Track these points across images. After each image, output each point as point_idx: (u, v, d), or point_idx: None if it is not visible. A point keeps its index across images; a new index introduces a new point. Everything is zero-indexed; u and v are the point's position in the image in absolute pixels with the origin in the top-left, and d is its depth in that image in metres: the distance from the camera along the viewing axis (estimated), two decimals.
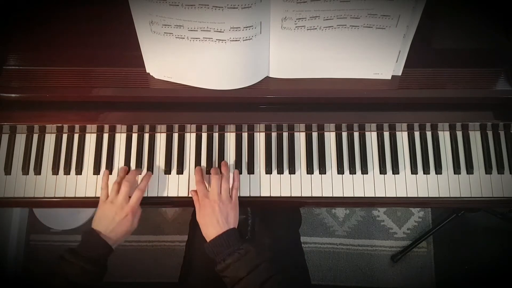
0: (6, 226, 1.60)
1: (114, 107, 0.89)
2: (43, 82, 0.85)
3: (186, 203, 0.94)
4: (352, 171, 0.92)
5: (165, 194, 0.92)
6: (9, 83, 0.85)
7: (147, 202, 0.92)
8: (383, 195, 0.91)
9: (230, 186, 0.87)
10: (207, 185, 0.88)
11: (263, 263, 0.76)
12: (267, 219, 1.03)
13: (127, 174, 0.89)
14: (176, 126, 0.93)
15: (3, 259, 1.57)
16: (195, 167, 0.92)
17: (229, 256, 0.76)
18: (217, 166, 0.93)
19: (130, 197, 0.84)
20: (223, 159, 0.93)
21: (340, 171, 0.93)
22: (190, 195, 0.90)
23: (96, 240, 0.80)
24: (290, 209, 1.11)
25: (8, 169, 0.93)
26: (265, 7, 0.70)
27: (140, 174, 0.92)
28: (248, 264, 0.75)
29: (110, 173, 0.92)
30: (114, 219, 0.82)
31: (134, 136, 0.95)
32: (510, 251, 1.61)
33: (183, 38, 0.73)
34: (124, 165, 0.93)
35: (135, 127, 0.93)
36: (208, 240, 0.81)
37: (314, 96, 0.86)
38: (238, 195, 0.88)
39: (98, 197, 0.91)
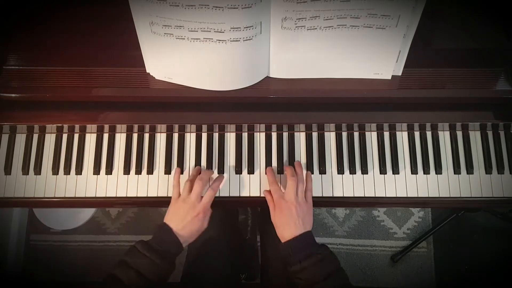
0: (6, 226, 1.60)
1: (114, 107, 0.89)
2: (43, 82, 0.85)
3: None
4: (352, 171, 0.92)
5: (164, 194, 0.92)
6: (9, 83, 0.85)
7: (146, 202, 0.92)
8: (383, 195, 0.91)
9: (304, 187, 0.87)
10: (280, 186, 0.88)
11: (339, 271, 0.76)
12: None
13: (199, 174, 0.89)
14: (176, 126, 0.93)
15: (3, 259, 1.57)
16: (194, 167, 0.93)
17: (306, 260, 0.76)
18: (217, 166, 0.93)
19: (202, 196, 0.85)
20: (223, 159, 0.93)
21: (340, 171, 0.93)
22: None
23: (168, 236, 0.80)
24: None
25: (8, 169, 0.93)
26: (265, 7, 0.70)
27: (213, 174, 0.92)
28: (324, 269, 0.75)
29: (110, 173, 0.92)
30: (185, 218, 0.81)
31: (134, 136, 0.95)
32: (510, 251, 1.61)
33: (183, 38, 0.73)
34: (124, 165, 0.93)
35: (135, 127, 0.93)
36: (283, 240, 0.81)
37: (314, 96, 0.86)
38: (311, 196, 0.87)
39: (98, 197, 0.92)
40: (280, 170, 0.93)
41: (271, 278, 0.98)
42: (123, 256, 0.76)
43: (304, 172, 0.91)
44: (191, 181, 0.86)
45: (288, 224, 0.81)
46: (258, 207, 1.35)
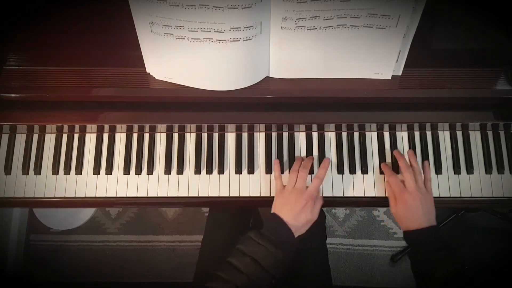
0: (6, 226, 1.60)
1: (114, 107, 0.89)
2: (43, 82, 0.85)
3: (186, 203, 0.95)
4: (352, 171, 0.92)
5: (164, 194, 0.92)
6: (9, 83, 0.85)
7: (146, 202, 0.92)
8: (383, 195, 0.91)
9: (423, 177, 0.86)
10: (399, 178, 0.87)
11: (462, 269, 0.76)
12: None
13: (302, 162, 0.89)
14: (176, 126, 0.93)
15: (3, 259, 1.57)
16: (195, 167, 0.92)
17: (430, 253, 0.76)
18: (217, 166, 0.93)
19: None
20: (223, 159, 0.93)
21: (340, 171, 0.93)
22: (190, 195, 0.90)
23: (280, 226, 0.78)
24: None
25: (8, 169, 0.93)
26: (265, 7, 0.70)
27: (313, 160, 0.92)
28: (446, 267, 0.75)
29: (110, 173, 0.92)
30: (295, 207, 0.80)
31: (134, 136, 0.95)
32: (510, 251, 1.61)
33: (184, 38, 0.73)
34: (124, 165, 0.93)
35: (135, 127, 0.93)
36: (406, 230, 0.81)
37: (314, 96, 0.86)
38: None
39: (98, 197, 0.92)
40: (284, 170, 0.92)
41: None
42: (238, 245, 0.76)
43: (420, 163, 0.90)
44: (296, 171, 0.86)
45: (414, 216, 0.80)
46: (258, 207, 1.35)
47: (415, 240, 0.79)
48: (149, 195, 0.92)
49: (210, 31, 0.71)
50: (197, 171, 0.93)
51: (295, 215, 0.80)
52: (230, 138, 0.95)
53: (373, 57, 0.80)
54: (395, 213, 0.84)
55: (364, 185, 0.92)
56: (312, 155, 0.93)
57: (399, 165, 0.88)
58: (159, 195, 0.92)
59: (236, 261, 0.73)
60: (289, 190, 0.83)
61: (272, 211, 0.82)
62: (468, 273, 0.76)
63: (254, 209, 1.12)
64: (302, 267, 0.99)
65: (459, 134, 0.94)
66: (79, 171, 0.93)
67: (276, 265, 0.74)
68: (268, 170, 0.93)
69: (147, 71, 0.85)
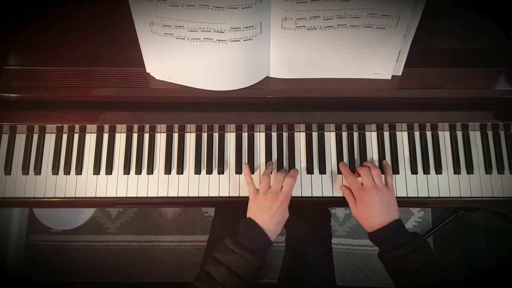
0: (6, 226, 1.60)
1: (114, 107, 0.89)
2: (43, 82, 0.85)
3: (186, 203, 0.95)
4: (352, 171, 0.92)
5: (164, 194, 0.92)
6: (9, 83, 0.85)
7: (146, 203, 0.92)
8: None
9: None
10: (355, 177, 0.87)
11: (432, 262, 0.74)
12: (298, 217, 1.03)
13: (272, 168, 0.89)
14: (176, 126, 0.93)
15: (3, 259, 1.57)
16: (195, 167, 0.93)
17: (398, 249, 0.74)
18: (217, 166, 0.93)
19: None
20: (223, 159, 0.93)
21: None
22: (190, 195, 0.90)
23: (256, 231, 0.78)
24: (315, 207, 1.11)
25: (8, 169, 0.93)
26: (265, 7, 0.70)
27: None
28: (418, 259, 0.74)
29: (110, 173, 0.92)
30: (271, 209, 0.80)
31: (134, 136, 0.95)
32: (510, 251, 1.61)
33: (183, 38, 0.73)
34: (124, 165, 0.93)
35: (135, 127, 0.93)
36: (371, 231, 0.79)
37: (314, 96, 0.86)
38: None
39: (98, 197, 0.91)
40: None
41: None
42: (214, 253, 0.76)
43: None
44: (268, 175, 0.86)
45: (373, 213, 0.79)
46: None
47: (380, 238, 0.78)
48: (149, 195, 0.92)
49: (210, 31, 0.71)
50: (197, 171, 0.93)
51: (271, 217, 0.79)
52: (230, 138, 0.95)
53: (373, 57, 0.80)
54: (356, 214, 0.83)
55: None
56: (312, 155, 0.93)
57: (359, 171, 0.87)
58: (159, 195, 0.92)
59: (212, 270, 0.74)
60: (263, 193, 0.83)
61: (248, 215, 0.82)
62: (439, 262, 0.75)
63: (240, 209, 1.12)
64: (307, 267, 0.99)
65: (459, 134, 0.94)
66: (79, 171, 0.93)
67: (252, 271, 0.75)
68: None
69: (147, 71, 0.85)
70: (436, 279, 0.72)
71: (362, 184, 0.84)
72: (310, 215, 1.06)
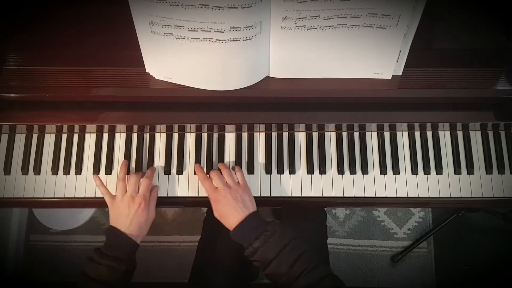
0: (6, 226, 1.59)
1: (114, 107, 0.89)
2: (43, 82, 0.85)
3: (186, 203, 0.94)
4: (353, 171, 0.92)
5: (164, 194, 0.92)
6: (9, 83, 0.85)
7: None
8: (384, 195, 0.91)
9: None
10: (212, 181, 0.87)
11: (291, 241, 0.75)
12: (294, 217, 1.04)
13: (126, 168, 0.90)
14: (176, 126, 0.93)
15: (3, 259, 1.57)
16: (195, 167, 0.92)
17: (256, 240, 0.75)
18: (217, 166, 0.93)
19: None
20: (223, 159, 0.93)
21: (341, 171, 0.92)
22: (190, 195, 0.90)
23: (119, 238, 0.80)
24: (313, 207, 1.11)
25: (7, 169, 0.93)
26: (265, 6, 0.70)
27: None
28: (277, 244, 0.75)
29: (110, 173, 0.92)
30: (129, 213, 0.82)
31: (134, 136, 0.94)
32: (510, 251, 1.61)
33: (183, 38, 0.73)
34: None
35: (135, 127, 0.93)
36: (231, 229, 0.80)
37: (314, 96, 0.86)
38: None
39: (98, 197, 0.91)
40: (280, 171, 0.92)
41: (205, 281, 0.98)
42: (83, 269, 0.78)
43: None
44: (123, 179, 0.86)
45: (229, 211, 0.80)
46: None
47: (240, 234, 0.78)
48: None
49: (210, 31, 0.71)
50: None
51: (131, 221, 0.81)
52: (230, 138, 0.95)
53: (373, 57, 0.80)
54: (216, 215, 0.84)
55: (364, 185, 0.92)
56: (312, 155, 0.93)
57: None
58: (159, 195, 0.91)
59: (86, 287, 0.75)
60: (119, 199, 0.84)
61: (110, 223, 0.83)
62: (302, 241, 0.77)
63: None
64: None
65: (459, 134, 0.94)
66: (78, 171, 0.93)
67: (125, 275, 0.79)
68: (268, 170, 0.92)
69: (147, 71, 0.85)
70: (299, 256, 0.73)
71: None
72: (306, 215, 1.06)
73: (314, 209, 1.09)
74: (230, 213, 0.80)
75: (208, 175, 0.88)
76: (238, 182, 0.86)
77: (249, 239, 0.76)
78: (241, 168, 0.91)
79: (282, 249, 0.74)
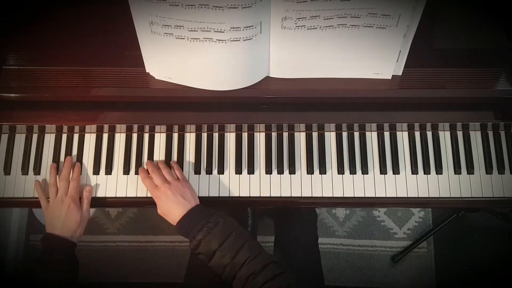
0: (6, 226, 1.59)
1: (114, 107, 0.89)
2: (43, 82, 0.85)
3: None
4: (353, 171, 0.92)
5: None
6: (9, 83, 0.85)
7: (146, 202, 0.92)
8: (384, 195, 0.91)
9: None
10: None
11: (234, 231, 0.75)
12: (286, 218, 1.03)
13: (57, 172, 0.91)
14: (176, 126, 0.93)
15: (3, 259, 1.57)
16: (194, 167, 0.92)
17: (199, 232, 0.75)
18: (217, 166, 0.93)
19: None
20: (223, 159, 0.93)
21: (341, 171, 0.92)
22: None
23: (55, 242, 0.83)
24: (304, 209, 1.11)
25: (7, 169, 0.93)
26: (265, 6, 0.70)
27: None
28: (219, 235, 0.75)
29: (110, 173, 0.92)
30: (60, 215, 0.84)
31: (134, 136, 0.94)
32: (510, 251, 1.61)
33: (183, 38, 0.73)
34: (124, 165, 0.93)
35: (134, 127, 0.93)
36: (175, 224, 0.80)
37: (314, 96, 0.86)
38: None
39: (98, 197, 0.91)
40: (280, 171, 0.92)
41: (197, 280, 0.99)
42: (29, 279, 0.81)
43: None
44: (54, 184, 0.88)
45: (171, 207, 0.81)
46: (259, 207, 1.35)
47: (183, 227, 0.78)
48: (149, 195, 0.91)
49: (210, 31, 0.71)
50: (197, 171, 0.93)
51: (63, 223, 0.83)
52: (230, 138, 0.95)
53: (373, 57, 0.80)
54: (160, 213, 0.84)
55: (364, 185, 0.92)
56: (312, 155, 0.93)
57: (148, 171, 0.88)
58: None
59: None
60: (51, 203, 0.86)
61: (46, 229, 0.85)
62: (255, 241, 0.77)
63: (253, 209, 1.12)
64: (296, 266, 0.99)
65: (459, 134, 0.94)
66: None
67: (69, 274, 0.82)
68: (268, 170, 0.92)
69: (147, 71, 0.85)
70: (242, 246, 0.73)
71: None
72: (297, 217, 1.06)
73: (305, 210, 1.09)
74: (172, 209, 0.80)
75: (148, 174, 0.88)
76: (177, 177, 0.86)
77: (192, 232, 0.76)
78: (242, 169, 0.91)
79: (225, 239, 0.74)
